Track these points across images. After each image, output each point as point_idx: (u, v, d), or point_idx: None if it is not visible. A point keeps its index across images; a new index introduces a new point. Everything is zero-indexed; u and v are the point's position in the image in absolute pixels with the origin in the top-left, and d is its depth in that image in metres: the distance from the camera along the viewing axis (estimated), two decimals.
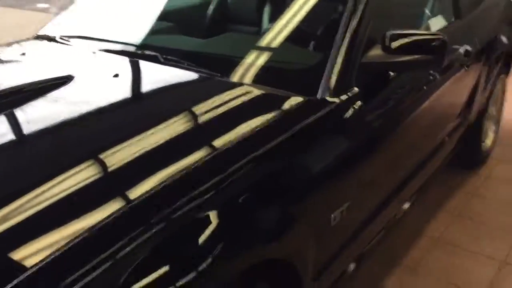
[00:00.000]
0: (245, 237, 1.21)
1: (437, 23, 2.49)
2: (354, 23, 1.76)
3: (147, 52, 1.86)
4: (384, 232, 2.03)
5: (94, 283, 0.96)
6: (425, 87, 2.11)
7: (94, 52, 1.95)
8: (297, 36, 1.93)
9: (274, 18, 2.04)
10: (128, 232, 1.05)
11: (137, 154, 1.29)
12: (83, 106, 1.55)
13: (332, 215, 1.54)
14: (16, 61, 1.92)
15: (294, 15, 1.95)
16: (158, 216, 1.10)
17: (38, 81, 1.61)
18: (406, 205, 2.21)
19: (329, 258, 1.65)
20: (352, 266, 1.83)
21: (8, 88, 1.60)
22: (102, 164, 1.25)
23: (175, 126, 1.44)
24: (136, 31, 2.18)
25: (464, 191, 2.98)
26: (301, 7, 1.96)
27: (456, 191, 2.98)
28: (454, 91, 2.47)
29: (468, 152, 3.03)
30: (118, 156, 1.28)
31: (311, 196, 1.46)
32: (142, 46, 1.99)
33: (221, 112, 1.52)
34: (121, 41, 2.03)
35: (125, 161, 1.26)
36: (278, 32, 1.91)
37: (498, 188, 3.03)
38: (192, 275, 1.07)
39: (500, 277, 2.27)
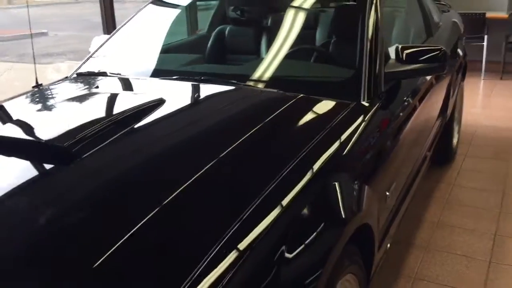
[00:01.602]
0: (352, 208, 1.54)
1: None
2: (374, 43, 2.16)
3: (203, 78, 2.16)
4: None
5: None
6: (426, 91, 2.55)
7: (161, 79, 2.23)
8: (333, 57, 2.35)
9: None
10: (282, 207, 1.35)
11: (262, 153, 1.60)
12: (194, 118, 1.86)
13: (387, 193, 1.90)
14: (97, 93, 2.12)
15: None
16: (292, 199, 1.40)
17: (138, 104, 1.83)
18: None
19: (383, 234, 1.99)
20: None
21: (119, 112, 1.81)
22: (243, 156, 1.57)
23: (271, 126, 1.76)
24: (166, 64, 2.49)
25: (446, 183, 3.46)
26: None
27: (439, 183, 3.45)
28: (438, 94, 2.93)
29: (443, 149, 3.52)
30: (251, 151, 1.60)
31: (377, 177, 1.81)
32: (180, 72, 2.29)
33: (304, 114, 1.87)
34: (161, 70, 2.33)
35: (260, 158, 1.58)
36: (319, 54, 2.30)
37: (470, 177, 3.54)
38: (322, 237, 1.37)
39: (496, 246, 2.71)
